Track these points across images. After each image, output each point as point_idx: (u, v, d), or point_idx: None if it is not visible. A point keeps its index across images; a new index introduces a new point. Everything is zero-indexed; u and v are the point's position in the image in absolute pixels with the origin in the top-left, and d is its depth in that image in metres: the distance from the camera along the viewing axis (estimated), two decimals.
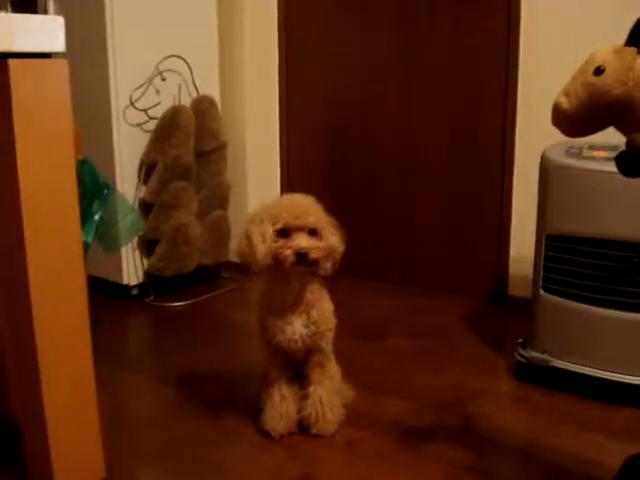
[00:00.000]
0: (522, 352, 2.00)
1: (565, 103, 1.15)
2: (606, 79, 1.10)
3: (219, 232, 2.90)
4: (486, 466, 1.60)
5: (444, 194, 2.75)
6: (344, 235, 1.64)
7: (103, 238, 2.06)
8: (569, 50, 2.29)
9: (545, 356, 1.93)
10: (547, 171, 1.88)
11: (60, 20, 1.29)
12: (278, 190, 3.16)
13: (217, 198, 2.87)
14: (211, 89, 2.88)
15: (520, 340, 2.05)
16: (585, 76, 1.13)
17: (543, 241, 1.91)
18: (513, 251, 2.60)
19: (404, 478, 1.55)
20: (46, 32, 1.27)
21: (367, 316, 2.61)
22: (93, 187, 1.92)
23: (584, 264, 1.80)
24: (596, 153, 1.87)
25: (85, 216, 1.90)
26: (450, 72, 2.66)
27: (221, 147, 2.84)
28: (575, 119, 1.15)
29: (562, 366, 1.90)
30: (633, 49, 1.11)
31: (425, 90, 2.72)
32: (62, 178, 1.36)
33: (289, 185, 3.15)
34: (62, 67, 1.33)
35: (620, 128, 1.16)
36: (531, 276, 1.99)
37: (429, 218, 2.81)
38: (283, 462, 1.62)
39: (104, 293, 2.72)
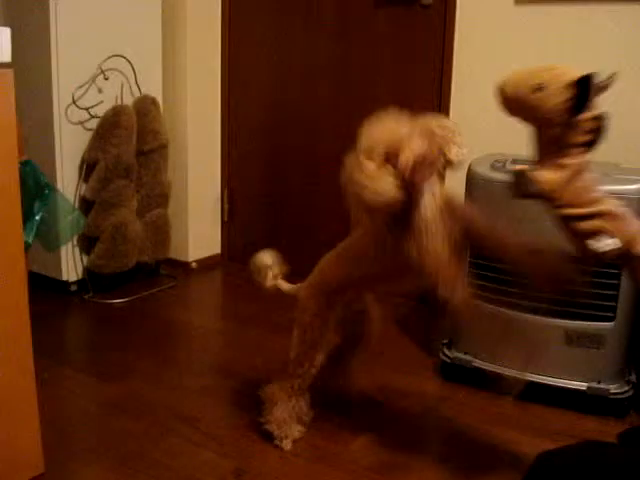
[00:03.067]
0: (447, 352, 2.11)
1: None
2: (542, 96, 1.28)
3: (159, 230, 2.93)
4: (409, 462, 1.69)
5: None
6: None
7: (44, 238, 2.08)
8: (499, 64, 2.42)
9: (467, 356, 2.05)
10: (472, 183, 1.99)
11: (7, 32, 1.34)
12: (218, 190, 3.21)
13: (157, 197, 2.90)
14: (153, 89, 2.91)
15: (445, 341, 2.16)
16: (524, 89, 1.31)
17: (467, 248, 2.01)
18: None
19: (333, 474, 1.63)
20: None
21: None
22: (35, 188, 1.94)
23: (503, 271, 1.91)
24: (518, 167, 1.98)
25: (26, 217, 1.91)
26: (389, 74, 2.75)
27: (162, 146, 2.87)
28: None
29: (483, 366, 2.01)
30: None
31: (364, 90, 2.80)
32: (5, 181, 1.41)
33: (229, 184, 3.20)
34: (7, 77, 1.37)
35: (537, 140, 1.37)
36: None
37: None
38: (218, 458, 1.68)
39: (43, 289, 2.73)
